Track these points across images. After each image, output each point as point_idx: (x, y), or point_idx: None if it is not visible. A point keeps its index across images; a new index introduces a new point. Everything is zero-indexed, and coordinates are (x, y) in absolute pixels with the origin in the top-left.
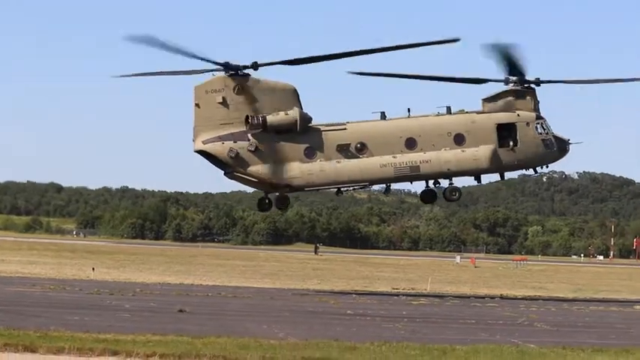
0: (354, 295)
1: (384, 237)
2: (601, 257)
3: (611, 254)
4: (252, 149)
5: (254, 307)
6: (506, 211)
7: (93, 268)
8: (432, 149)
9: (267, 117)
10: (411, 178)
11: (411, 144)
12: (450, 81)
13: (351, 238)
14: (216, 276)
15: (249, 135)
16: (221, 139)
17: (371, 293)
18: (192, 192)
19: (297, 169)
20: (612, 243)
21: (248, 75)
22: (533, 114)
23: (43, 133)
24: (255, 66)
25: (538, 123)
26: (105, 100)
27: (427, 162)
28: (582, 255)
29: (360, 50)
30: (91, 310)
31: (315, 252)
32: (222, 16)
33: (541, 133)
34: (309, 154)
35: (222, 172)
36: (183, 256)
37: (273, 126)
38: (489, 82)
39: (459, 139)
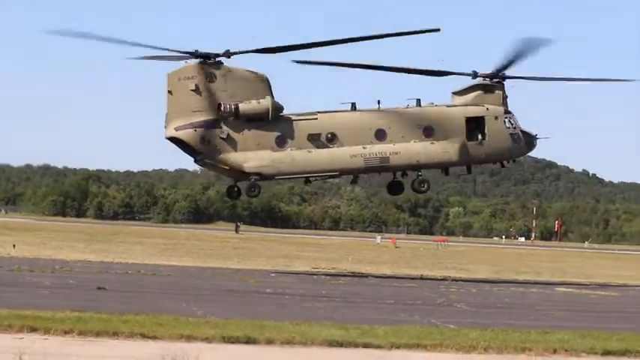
0: (272, 274)
1: (305, 217)
2: (522, 239)
3: (533, 236)
4: (224, 137)
5: (174, 285)
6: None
7: (14, 245)
8: (402, 141)
9: (240, 105)
10: (381, 169)
11: (380, 135)
12: (417, 73)
13: (272, 217)
14: (136, 254)
15: (221, 123)
16: (193, 126)
17: (291, 272)
18: (113, 170)
19: (269, 158)
20: (534, 225)
21: (220, 63)
22: (502, 108)
23: None
24: (228, 54)
25: (506, 117)
26: (27, 75)
27: (397, 153)
28: (504, 237)
29: (336, 40)
30: (10, 287)
31: (236, 231)
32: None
33: (509, 128)
34: (280, 143)
35: (193, 159)
36: (104, 234)
37: (245, 114)
38: (458, 76)
39: (429, 132)
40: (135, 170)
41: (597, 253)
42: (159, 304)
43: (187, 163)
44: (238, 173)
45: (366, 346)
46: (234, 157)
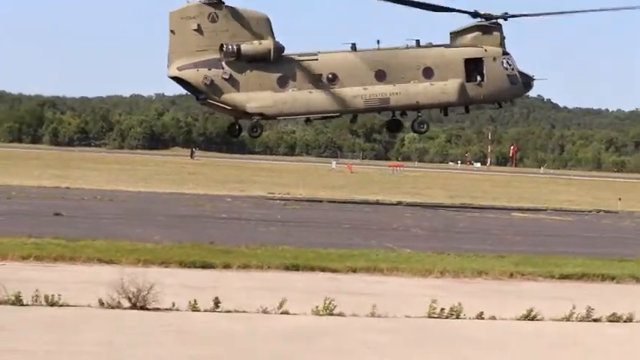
0: (228, 199)
1: (260, 142)
2: (478, 164)
3: (489, 161)
4: (227, 77)
5: (130, 211)
6: (382, 117)
7: None
8: (402, 82)
9: (242, 46)
10: (381, 109)
11: (381, 76)
12: (418, 7)
13: (227, 143)
14: (92, 180)
15: (223, 63)
16: (196, 66)
17: (246, 197)
18: (69, 96)
19: (270, 98)
20: (489, 150)
21: (222, 2)
22: (500, 49)
23: None
24: None
25: (504, 58)
26: None
27: (397, 94)
28: (459, 162)
29: None
30: None
31: (191, 156)
32: None
33: (507, 69)
34: (282, 84)
35: (195, 97)
36: (59, 160)
37: (247, 55)
38: (457, 14)
39: (428, 73)
40: (90, 96)
41: (552, 179)
42: (115, 229)
43: (142, 88)
44: (241, 113)
45: (322, 269)
46: (236, 97)
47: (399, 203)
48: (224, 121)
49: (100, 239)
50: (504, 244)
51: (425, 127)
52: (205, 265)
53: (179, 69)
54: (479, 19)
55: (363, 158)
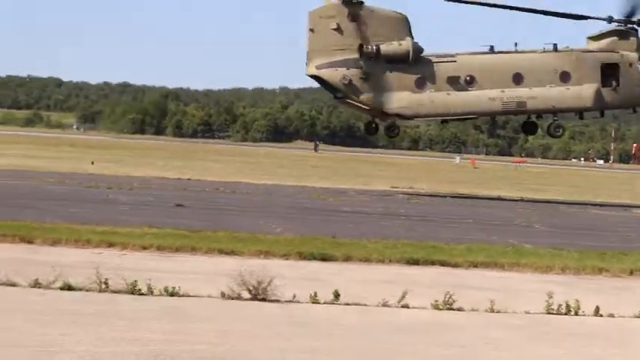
0: (351, 193)
1: (383, 136)
2: (601, 161)
3: (611, 159)
4: (365, 77)
5: (252, 203)
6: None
7: (92, 162)
8: (539, 85)
9: (381, 46)
10: (517, 112)
11: (518, 79)
12: (554, 15)
13: (351, 136)
14: (215, 172)
15: (361, 63)
16: (334, 65)
17: (369, 191)
18: (192, 88)
19: (408, 99)
20: (612, 148)
21: (362, 2)
22: (636, 54)
23: (42, 26)
24: None
25: None
26: None
27: (534, 98)
28: (582, 159)
29: None
30: (88, 203)
31: (315, 149)
32: None
33: None
34: (420, 85)
35: (333, 96)
36: (182, 152)
37: (387, 55)
38: (592, 20)
39: (565, 77)
40: (214, 88)
41: None
42: (237, 221)
43: (266, 81)
44: (378, 113)
45: (442, 264)
46: (374, 97)
47: (521, 199)
48: (348, 114)
49: (221, 230)
50: (625, 242)
51: (561, 131)
52: (326, 258)
53: (318, 68)
54: (616, 24)
55: (486, 154)
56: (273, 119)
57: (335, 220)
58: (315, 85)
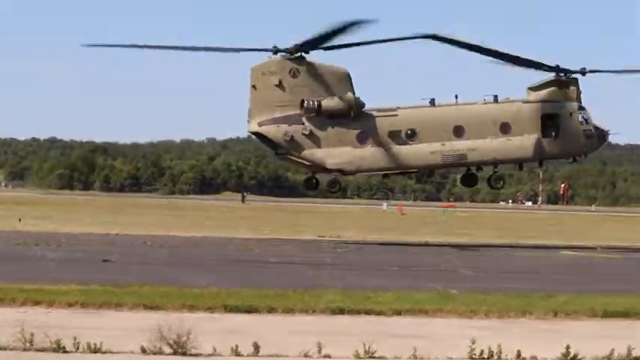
0: (277, 243)
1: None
2: (529, 203)
3: (540, 200)
4: (307, 133)
5: (179, 256)
6: None
7: (19, 219)
8: (479, 137)
9: (322, 102)
10: (458, 165)
11: (459, 132)
12: (498, 57)
13: (279, 186)
14: (143, 226)
15: (303, 119)
16: (276, 121)
17: (297, 241)
18: (120, 142)
19: (350, 155)
20: (540, 189)
21: (304, 58)
22: (576, 104)
23: None
24: (307, 49)
25: (580, 113)
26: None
27: (474, 150)
28: (511, 201)
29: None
30: (15, 261)
31: (242, 200)
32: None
33: (582, 124)
34: (361, 140)
35: (274, 152)
36: (110, 206)
37: (328, 111)
38: (536, 70)
39: (505, 128)
40: (141, 142)
41: (604, 216)
42: (164, 275)
43: (193, 133)
44: (320, 169)
45: (367, 312)
46: (316, 153)
47: (448, 244)
48: (276, 165)
49: (148, 285)
50: (552, 283)
51: (501, 182)
52: (250, 310)
53: (260, 124)
54: (555, 74)
55: (414, 199)
56: (201, 171)
57: (261, 271)
58: (242, 135)
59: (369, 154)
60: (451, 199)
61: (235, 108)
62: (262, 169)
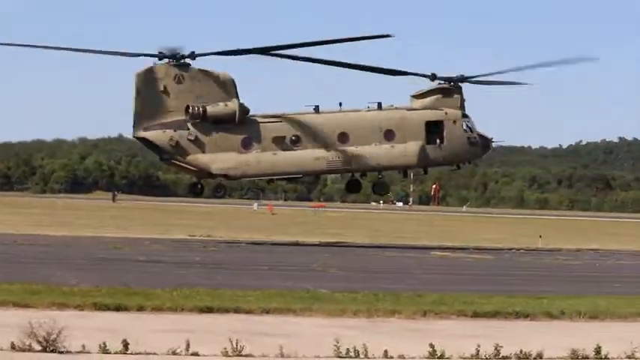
0: (147, 242)
1: (183, 184)
2: (400, 204)
3: (411, 201)
4: (192, 138)
5: (49, 255)
6: None
7: None
8: (364, 144)
9: (207, 107)
10: (342, 171)
11: (343, 138)
12: (377, 72)
13: (150, 185)
14: (13, 224)
15: (189, 124)
16: (162, 126)
17: (166, 240)
18: None
19: (235, 160)
20: (412, 190)
21: (188, 64)
22: (460, 112)
23: None
24: (193, 56)
25: (464, 121)
26: None
27: (359, 156)
28: (382, 202)
29: (294, 44)
30: None
31: (113, 200)
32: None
33: (466, 131)
34: (246, 145)
35: (159, 157)
36: None
37: (213, 116)
38: (416, 77)
39: (389, 135)
40: (13, 141)
41: (475, 217)
42: (34, 273)
43: (65, 132)
44: (205, 174)
45: (236, 311)
46: (201, 158)
47: (319, 244)
48: (146, 164)
49: (17, 283)
50: (421, 283)
51: (385, 188)
52: (119, 308)
53: (145, 129)
54: (439, 82)
55: (285, 199)
56: (72, 170)
57: (130, 269)
58: (114, 135)
59: (254, 159)
60: (322, 199)
61: (106, 108)
62: (133, 168)
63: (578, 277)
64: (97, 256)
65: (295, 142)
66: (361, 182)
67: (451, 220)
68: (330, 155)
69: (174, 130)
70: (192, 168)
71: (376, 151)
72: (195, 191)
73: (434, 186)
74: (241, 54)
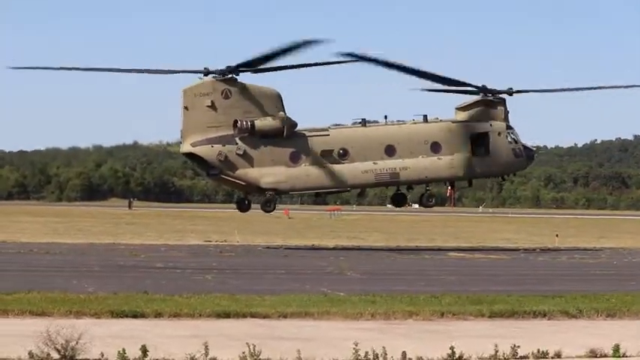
0: (163, 249)
1: (198, 190)
2: (416, 205)
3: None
4: (241, 153)
5: (66, 263)
6: None
7: None
8: (410, 156)
9: (255, 122)
10: (390, 184)
11: (390, 151)
12: (430, 79)
13: (165, 192)
14: (30, 233)
15: (237, 139)
16: (210, 142)
17: (183, 246)
18: (7, 150)
19: (284, 174)
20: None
21: (235, 79)
22: (504, 124)
23: None
24: (237, 71)
25: (508, 133)
26: None
27: (406, 169)
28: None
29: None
30: None
31: (129, 207)
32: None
33: (511, 143)
34: (295, 159)
35: (206, 173)
36: None
37: (261, 131)
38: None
39: (436, 148)
40: (28, 150)
41: (491, 218)
42: (50, 282)
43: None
44: (254, 188)
45: (253, 315)
46: (250, 173)
47: (335, 247)
48: (161, 170)
49: (34, 292)
50: (438, 285)
51: (433, 200)
52: (136, 315)
53: (193, 145)
54: (483, 95)
55: (301, 203)
56: (87, 178)
57: (148, 276)
58: (129, 141)
59: (303, 173)
60: (338, 203)
61: (120, 114)
62: (148, 175)
63: (596, 276)
64: (114, 264)
65: (343, 156)
66: (406, 195)
67: (467, 222)
68: (378, 168)
69: (223, 145)
70: (241, 183)
71: (423, 164)
72: (242, 208)
73: (448, 187)
74: (285, 69)
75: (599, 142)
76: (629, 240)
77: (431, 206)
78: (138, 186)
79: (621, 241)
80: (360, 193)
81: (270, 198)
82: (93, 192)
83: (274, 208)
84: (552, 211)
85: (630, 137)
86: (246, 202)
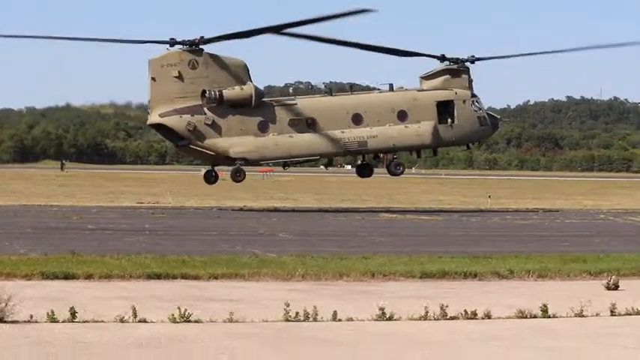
0: (95, 210)
1: (131, 152)
2: (349, 167)
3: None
4: (209, 123)
5: None
6: None
7: None
8: (378, 125)
9: (224, 91)
10: (358, 152)
11: (357, 119)
12: (387, 52)
13: (98, 153)
14: None
15: (205, 109)
16: (178, 112)
17: (115, 208)
18: None
19: (253, 143)
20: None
21: (202, 50)
22: (469, 92)
23: None
24: (203, 41)
25: (473, 100)
26: None
27: (374, 137)
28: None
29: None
30: None
31: (62, 168)
32: None
33: (476, 111)
34: (263, 128)
35: (175, 144)
36: None
37: (230, 100)
38: (424, 58)
39: (402, 116)
40: None
41: (424, 179)
42: None
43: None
44: (223, 158)
45: (184, 277)
46: (220, 142)
47: (267, 209)
48: (94, 132)
49: None
50: (370, 246)
51: (401, 168)
52: (67, 277)
53: (161, 116)
54: (447, 63)
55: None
56: (20, 140)
57: (79, 238)
58: (61, 103)
59: (272, 142)
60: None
61: (54, 76)
62: (81, 136)
63: (527, 237)
64: (45, 226)
65: (311, 125)
66: (372, 165)
67: (400, 183)
68: (346, 137)
69: (192, 115)
70: (210, 152)
71: (390, 132)
72: (209, 179)
73: None
74: (251, 36)
75: (532, 103)
76: (561, 201)
77: (398, 174)
78: (71, 147)
79: (554, 202)
80: (327, 163)
81: (239, 168)
82: (25, 154)
83: (244, 178)
84: (485, 172)
85: (563, 98)
86: (214, 173)
